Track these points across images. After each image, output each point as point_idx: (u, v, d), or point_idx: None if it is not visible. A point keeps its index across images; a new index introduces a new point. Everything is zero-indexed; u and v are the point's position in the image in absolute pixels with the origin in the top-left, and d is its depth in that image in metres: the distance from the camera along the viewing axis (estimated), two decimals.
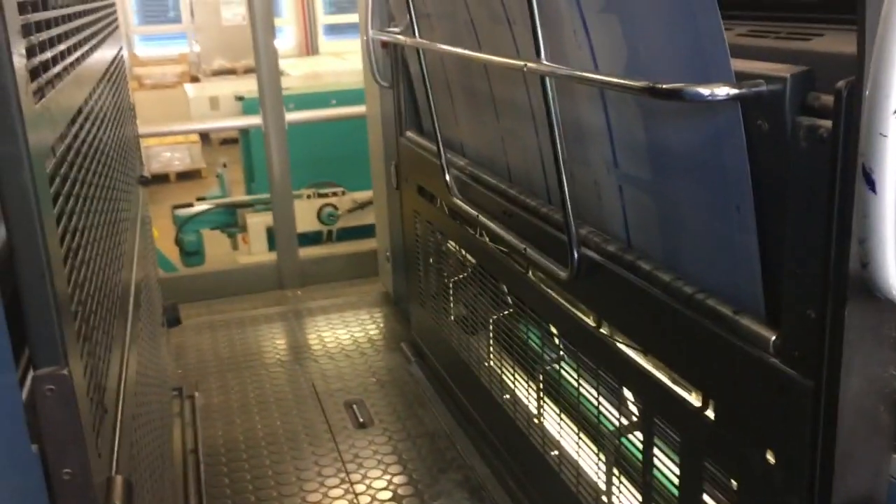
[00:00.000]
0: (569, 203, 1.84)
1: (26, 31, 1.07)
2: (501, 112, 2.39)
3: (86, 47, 1.71)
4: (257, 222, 5.67)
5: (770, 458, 1.36)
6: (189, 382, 3.53)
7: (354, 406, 3.25)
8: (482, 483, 2.71)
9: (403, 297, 3.85)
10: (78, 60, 1.56)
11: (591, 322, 1.98)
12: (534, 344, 2.41)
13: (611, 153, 1.78)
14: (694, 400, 1.59)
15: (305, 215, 5.51)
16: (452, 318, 3.04)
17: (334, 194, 5.81)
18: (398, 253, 3.87)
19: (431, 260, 3.23)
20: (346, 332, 4.01)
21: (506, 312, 2.55)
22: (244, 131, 6.41)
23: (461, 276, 2.91)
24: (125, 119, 2.76)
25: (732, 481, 1.48)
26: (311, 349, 3.85)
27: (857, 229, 1.07)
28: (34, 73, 1.07)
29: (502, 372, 2.60)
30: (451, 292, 3.02)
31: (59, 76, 1.28)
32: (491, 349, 2.68)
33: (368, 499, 2.66)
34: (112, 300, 1.53)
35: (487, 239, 2.59)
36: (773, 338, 1.33)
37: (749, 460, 1.40)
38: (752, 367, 1.38)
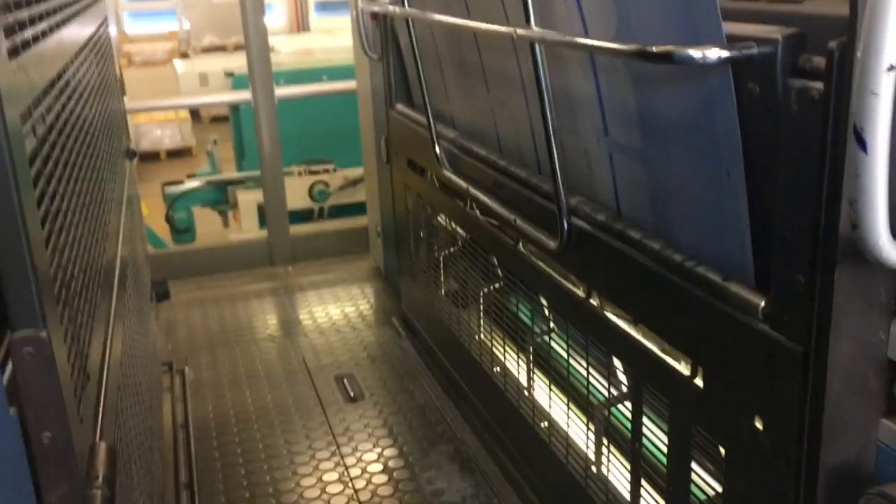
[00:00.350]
0: (559, 172, 1.82)
1: None
2: (491, 83, 2.37)
3: (67, 12, 1.67)
4: (248, 199, 5.64)
5: (758, 424, 1.35)
6: (179, 357, 3.52)
7: (345, 380, 3.25)
8: (473, 455, 2.72)
9: (394, 273, 3.84)
10: (58, 25, 1.53)
11: (580, 292, 1.97)
12: (524, 316, 2.40)
13: (601, 121, 1.76)
14: (683, 368, 1.59)
15: (296, 192, 5.49)
16: (443, 292, 3.03)
17: (325, 171, 5.79)
18: (389, 228, 3.85)
19: (422, 234, 3.21)
20: (336, 307, 4.00)
21: (496, 285, 2.54)
22: (235, 109, 6.38)
23: (451, 249, 2.89)
24: (111, 92, 2.72)
25: (721, 448, 1.48)
26: (302, 324, 3.84)
27: (848, 190, 1.06)
28: (9, 31, 1.04)
29: (493, 345, 2.59)
30: (441, 266, 3.01)
31: (36, 38, 1.25)
32: (481, 322, 2.68)
33: (359, 472, 2.66)
34: (95, 269, 1.52)
35: (478, 212, 2.58)
36: (762, 304, 1.32)
37: (738, 427, 1.40)
38: (741, 333, 1.37)
